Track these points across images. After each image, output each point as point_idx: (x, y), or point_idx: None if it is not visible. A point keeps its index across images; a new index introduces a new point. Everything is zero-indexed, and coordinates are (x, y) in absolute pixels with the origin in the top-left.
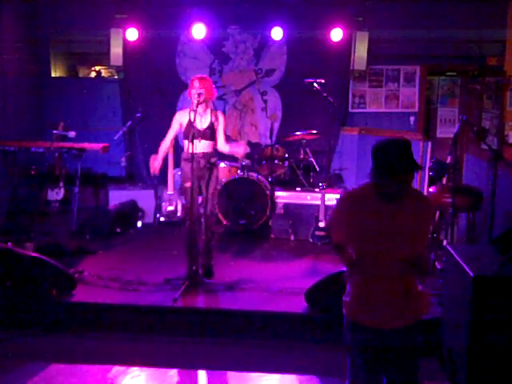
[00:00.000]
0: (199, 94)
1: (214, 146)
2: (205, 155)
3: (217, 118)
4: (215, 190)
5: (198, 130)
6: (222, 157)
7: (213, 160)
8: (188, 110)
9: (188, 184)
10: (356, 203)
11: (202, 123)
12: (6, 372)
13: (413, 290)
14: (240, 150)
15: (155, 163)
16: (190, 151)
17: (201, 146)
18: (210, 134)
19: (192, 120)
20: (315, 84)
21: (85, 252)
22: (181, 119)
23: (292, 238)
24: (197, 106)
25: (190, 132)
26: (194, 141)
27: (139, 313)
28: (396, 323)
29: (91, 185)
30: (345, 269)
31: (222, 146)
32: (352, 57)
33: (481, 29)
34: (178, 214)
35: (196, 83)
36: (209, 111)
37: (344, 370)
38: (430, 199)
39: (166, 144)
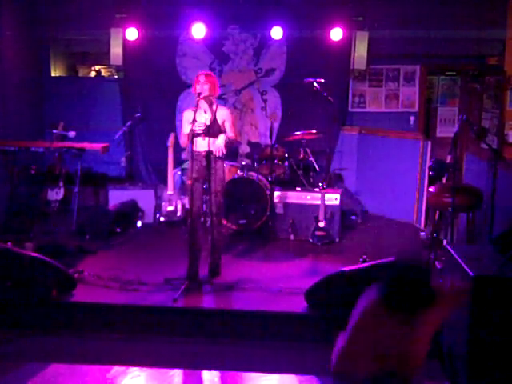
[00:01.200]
0: (199, 94)
1: None
2: (208, 154)
3: (221, 114)
4: (220, 191)
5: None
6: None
7: (216, 159)
8: (194, 105)
9: (189, 181)
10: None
11: (206, 120)
12: (6, 372)
13: None
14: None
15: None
16: (196, 149)
17: (203, 144)
18: (213, 130)
19: (194, 117)
20: (315, 83)
21: (85, 252)
22: (187, 117)
23: (292, 237)
24: (197, 104)
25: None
26: (199, 138)
27: (139, 313)
28: None
29: (91, 184)
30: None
31: (231, 135)
32: (352, 56)
33: (481, 28)
34: (178, 213)
35: (202, 78)
36: (214, 107)
37: None
38: (446, 298)
39: (184, 143)
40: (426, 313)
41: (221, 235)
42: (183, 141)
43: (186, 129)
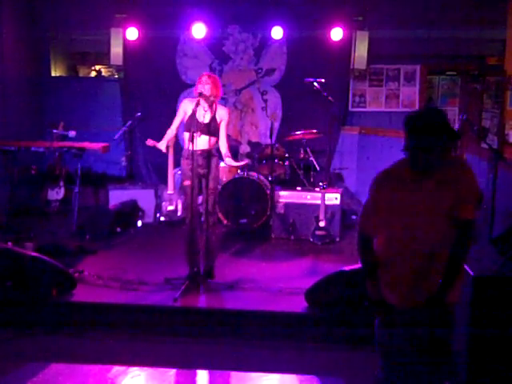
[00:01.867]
0: (200, 94)
1: (214, 143)
2: (203, 152)
3: (220, 114)
4: (215, 190)
5: (199, 124)
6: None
7: (211, 157)
8: (195, 100)
9: (187, 182)
10: (390, 180)
11: (205, 117)
12: (6, 372)
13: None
14: (235, 164)
15: (153, 142)
16: (190, 148)
17: (200, 142)
18: (210, 129)
19: (193, 115)
20: (315, 83)
21: (85, 252)
22: (186, 108)
23: (292, 237)
24: (197, 105)
25: (191, 125)
26: (194, 135)
27: (139, 313)
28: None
29: (91, 184)
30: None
31: (222, 146)
32: (352, 56)
33: (481, 28)
34: (178, 213)
35: (203, 78)
36: (214, 107)
37: (343, 370)
38: (467, 165)
39: (172, 131)
40: (445, 177)
41: (215, 236)
42: (173, 130)
43: (179, 115)
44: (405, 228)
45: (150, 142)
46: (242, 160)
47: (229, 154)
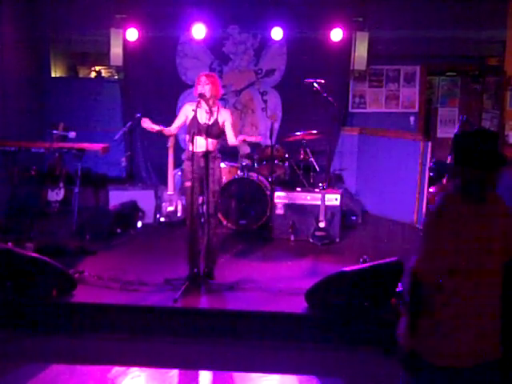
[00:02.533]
0: (199, 95)
1: (216, 144)
2: (205, 154)
3: (223, 115)
4: (216, 192)
5: (201, 126)
6: (223, 157)
7: (213, 158)
8: (196, 103)
9: (188, 184)
10: (449, 211)
11: (206, 119)
12: (5, 373)
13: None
14: (249, 139)
15: (149, 124)
16: (191, 149)
17: (202, 144)
18: (213, 131)
19: (195, 116)
20: (315, 84)
21: (85, 252)
22: (187, 112)
23: (292, 238)
24: (197, 106)
25: (193, 127)
26: (197, 137)
27: (139, 313)
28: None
29: (91, 185)
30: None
31: (232, 141)
32: (352, 57)
33: (481, 29)
34: (178, 214)
35: (202, 79)
36: (215, 109)
37: (343, 370)
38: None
39: (169, 130)
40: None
41: (216, 237)
42: (172, 129)
43: (180, 119)
44: (463, 265)
45: (144, 123)
46: (254, 136)
47: (238, 136)
